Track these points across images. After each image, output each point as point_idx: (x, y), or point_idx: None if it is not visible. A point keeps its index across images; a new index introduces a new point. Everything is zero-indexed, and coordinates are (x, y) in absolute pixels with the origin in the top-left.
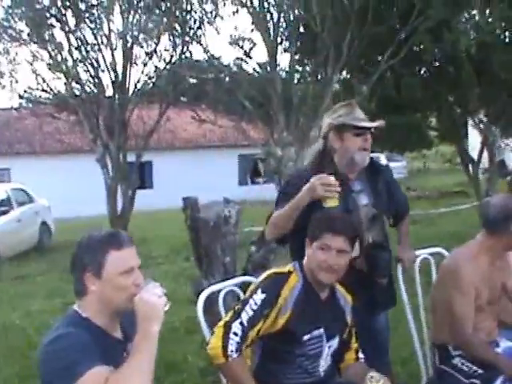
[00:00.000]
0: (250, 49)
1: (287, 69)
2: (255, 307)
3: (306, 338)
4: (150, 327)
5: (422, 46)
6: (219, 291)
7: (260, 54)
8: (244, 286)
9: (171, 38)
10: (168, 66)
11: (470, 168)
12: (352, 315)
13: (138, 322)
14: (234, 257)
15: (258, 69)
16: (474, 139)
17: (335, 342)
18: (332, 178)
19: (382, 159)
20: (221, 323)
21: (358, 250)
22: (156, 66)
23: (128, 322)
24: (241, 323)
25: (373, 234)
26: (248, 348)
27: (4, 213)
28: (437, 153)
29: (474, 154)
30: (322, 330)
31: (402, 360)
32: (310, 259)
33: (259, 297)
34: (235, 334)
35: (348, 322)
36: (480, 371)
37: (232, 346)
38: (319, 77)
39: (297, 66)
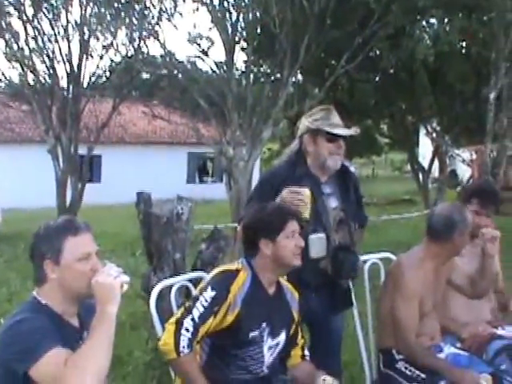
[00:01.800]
0: (208, 47)
1: (243, 69)
2: (206, 304)
3: (252, 334)
4: (106, 308)
5: (378, 53)
6: (171, 286)
7: (217, 53)
8: (197, 282)
9: (128, 32)
10: (124, 60)
11: (420, 176)
12: (310, 312)
13: (96, 305)
14: (185, 253)
15: (214, 68)
16: (426, 148)
17: (282, 338)
18: (304, 191)
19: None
20: (172, 320)
21: (324, 251)
22: (112, 60)
23: (86, 311)
24: (192, 319)
25: (340, 236)
26: (197, 344)
27: None
28: (386, 160)
29: (425, 163)
30: (267, 326)
31: (344, 363)
32: (276, 254)
33: (209, 294)
34: (187, 329)
35: (295, 318)
36: (422, 375)
37: (184, 342)
38: (274, 78)
39: (253, 67)
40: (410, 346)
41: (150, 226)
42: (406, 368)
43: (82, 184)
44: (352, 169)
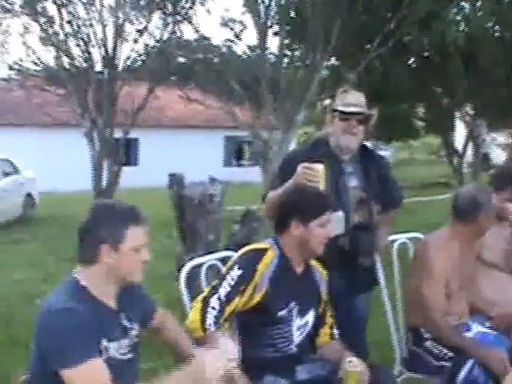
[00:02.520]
0: (241, 31)
1: (276, 53)
2: (232, 283)
3: (280, 313)
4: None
5: (410, 36)
6: (201, 265)
7: (250, 36)
8: (226, 261)
9: (162, 16)
10: (158, 44)
11: (455, 160)
12: (331, 292)
13: (192, 368)
14: (218, 234)
15: (247, 51)
16: (461, 132)
17: (311, 317)
18: (317, 166)
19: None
20: (199, 298)
21: (342, 229)
22: (146, 44)
23: (124, 293)
24: (218, 298)
25: (359, 215)
26: (226, 323)
27: None
28: (423, 144)
29: (460, 147)
30: (296, 306)
31: (376, 343)
32: (305, 238)
33: (236, 273)
34: (213, 308)
35: (323, 297)
36: (450, 354)
37: (210, 320)
38: (307, 62)
39: (286, 51)
40: (436, 325)
41: (183, 207)
42: (433, 346)
43: (118, 167)
44: (382, 152)
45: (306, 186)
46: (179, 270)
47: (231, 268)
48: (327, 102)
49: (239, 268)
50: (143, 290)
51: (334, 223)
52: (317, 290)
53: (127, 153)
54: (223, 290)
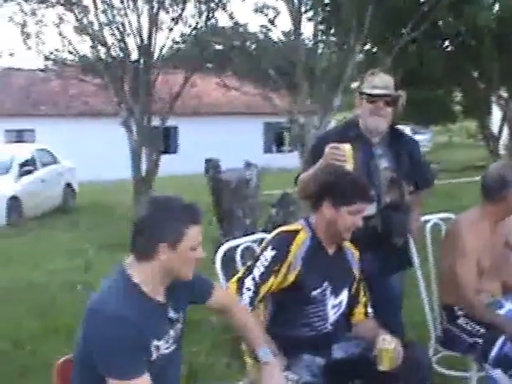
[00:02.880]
0: (275, 17)
1: (311, 38)
2: (266, 263)
3: (314, 293)
4: None
5: (443, 20)
6: (237, 247)
7: (284, 22)
8: (262, 243)
9: (197, 4)
10: (193, 32)
11: (492, 143)
12: (365, 273)
13: None
14: (255, 218)
15: (282, 37)
16: (497, 115)
17: (344, 297)
18: (344, 146)
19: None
20: (234, 279)
21: (374, 209)
22: (181, 32)
23: (173, 286)
24: (253, 279)
25: (390, 196)
26: (261, 303)
27: (28, 173)
28: (461, 127)
29: (496, 130)
30: (329, 285)
31: (413, 324)
32: (333, 221)
33: (269, 253)
34: (248, 289)
35: (356, 276)
36: (483, 331)
37: (245, 301)
38: (342, 47)
39: (320, 36)
40: (469, 302)
41: (220, 192)
42: (466, 323)
43: (157, 155)
44: (420, 136)
45: (347, 171)
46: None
47: (265, 249)
48: (355, 84)
49: (272, 249)
50: (198, 273)
51: None
52: (349, 271)
53: (166, 141)
54: (257, 271)
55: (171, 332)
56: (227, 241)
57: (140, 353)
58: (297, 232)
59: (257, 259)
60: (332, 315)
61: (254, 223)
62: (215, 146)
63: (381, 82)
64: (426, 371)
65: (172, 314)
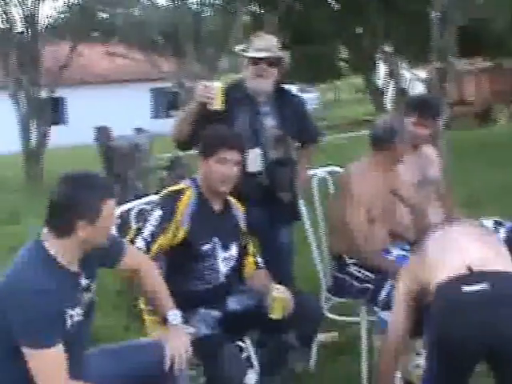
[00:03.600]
0: None
1: (196, 1)
2: (154, 223)
3: (203, 248)
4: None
5: None
6: (130, 210)
7: None
8: None
9: None
10: (78, 1)
11: (378, 98)
12: (254, 227)
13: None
14: (147, 182)
15: (168, 2)
16: (382, 70)
17: (234, 251)
18: (214, 84)
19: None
20: (125, 240)
21: (261, 165)
22: (66, 1)
23: (87, 256)
24: (143, 239)
25: (277, 152)
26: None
27: None
28: (348, 84)
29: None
30: (218, 240)
31: (304, 278)
32: (207, 174)
33: (157, 213)
34: (139, 248)
35: (243, 229)
36: (372, 276)
37: None
38: (227, 9)
39: None
40: (359, 249)
41: (111, 158)
42: (356, 270)
43: (46, 126)
44: (308, 94)
45: (214, 126)
46: None
47: (153, 210)
48: (239, 47)
49: (160, 208)
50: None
51: (252, 160)
52: (237, 225)
53: (55, 112)
54: (147, 231)
55: (84, 299)
56: (121, 205)
57: (57, 323)
58: (183, 191)
59: (145, 220)
60: (223, 268)
61: (146, 186)
62: (104, 115)
63: (263, 43)
64: (317, 319)
65: (85, 282)
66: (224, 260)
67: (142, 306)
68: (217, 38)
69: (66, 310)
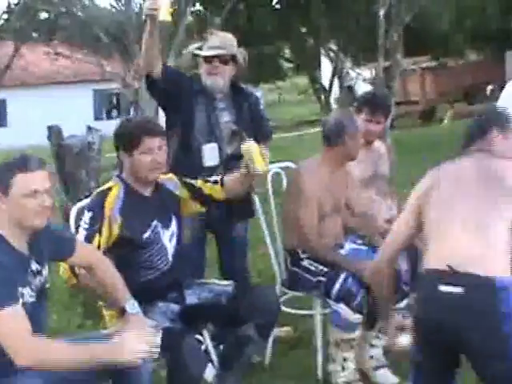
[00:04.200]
0: None
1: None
2: (86, 226)
3: (145, 235)
4: (117, 355)
5: None
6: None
7: None
8: None
9: None
10: (21, 1)
11: (323, 97)
12: (209, 221)
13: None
14: (98, 181)
15: (112, 2)
16: (327, 69)
17: (174, 225)
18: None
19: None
20: (77, 237)
21: (217, 160)
22: (9, 1)
23: (36, 237)
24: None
25: (232, 147)
26: None
27: None
28: (292, 85)
29: (327, 84)
30: (157, 222)
31: (259, 272)
32: (134, 167)
33: (87, 216)
34: None
35: (178, 195)
36: (325, 269)
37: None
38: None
39: None
40: (311, 245)
41: (63, 157)
42: (310, 264)
43: None
44: (256, 92)
45: (130, 119)
46: (67, 220)
47: (83, 213)
48: (194, 45)
49: (89, 210)
50: (61, 231)
51: (208, 154)
52: (172, 199)
53: None
54: (81, 235)
55: (35, 282)
56: (74, 204)
57: (8, 287)
58: (110, 189)
59: (79, 225)
60: (170, 247)
61: (97, 186)
62: (46, 116)
63: (216, 41)
64: (275, 310)
65: (35, 267)
66: (169, 238)
67: (101, 302)
68: (163, 39)
69: (17, 284)
